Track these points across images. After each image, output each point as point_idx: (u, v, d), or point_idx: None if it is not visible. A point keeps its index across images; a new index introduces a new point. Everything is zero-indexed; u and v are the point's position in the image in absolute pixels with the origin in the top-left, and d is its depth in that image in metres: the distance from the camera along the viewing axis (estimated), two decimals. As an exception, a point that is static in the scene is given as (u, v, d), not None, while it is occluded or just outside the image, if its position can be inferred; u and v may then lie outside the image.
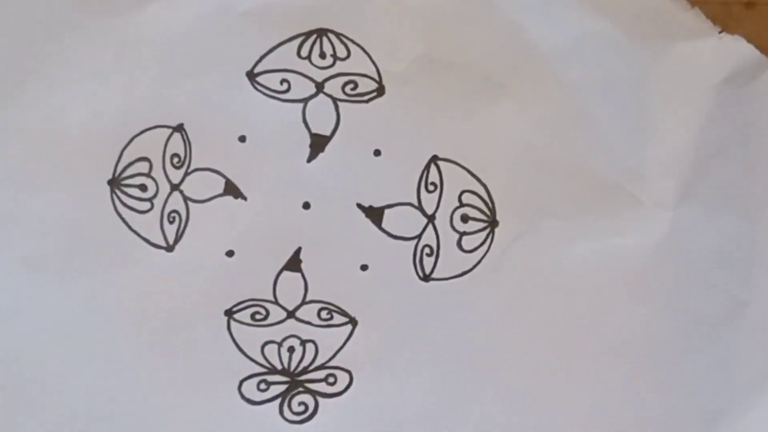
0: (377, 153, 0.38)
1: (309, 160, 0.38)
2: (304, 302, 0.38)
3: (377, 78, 0.38)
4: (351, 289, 0.38)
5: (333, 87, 0.38)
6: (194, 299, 0.37)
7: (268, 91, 0.38)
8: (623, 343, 0.37)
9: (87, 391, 0.37)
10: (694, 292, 0.38)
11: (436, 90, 0.37)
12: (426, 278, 0.38)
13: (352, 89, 0.38)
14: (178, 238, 0.38)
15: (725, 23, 0.38)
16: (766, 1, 0.39)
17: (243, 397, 0.37)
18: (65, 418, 0.37)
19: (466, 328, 0.37)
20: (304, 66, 0.38)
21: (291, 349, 0.38)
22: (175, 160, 0.38)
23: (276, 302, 0.38)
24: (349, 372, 0.38)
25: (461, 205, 0.38)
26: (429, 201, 0.38)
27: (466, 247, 0.38)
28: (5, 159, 0.37)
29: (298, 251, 0.38)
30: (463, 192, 0.38)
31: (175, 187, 0.38)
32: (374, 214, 0.38)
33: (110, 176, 0.37)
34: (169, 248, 0.37)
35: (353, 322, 0.38)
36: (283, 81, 0.38)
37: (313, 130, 0.38)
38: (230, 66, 0.37)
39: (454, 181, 0.38)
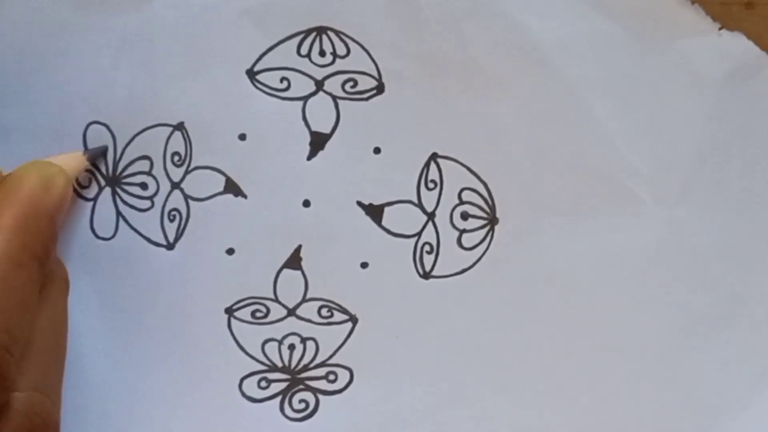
0: (377, 151, 0.38)
1: (309, 158, 0.38)
2: (304, 300, 0.38)
3: (377, 76, 0.38)
4: (351, 287, 0.38)
5: (333, 85, 0.38)
6: (195, 297, 0.37)
7: (268, 89, 0.38)
8: (623, 340, 0.37)
9: (87, 388, 0.37)
10: (694, 289, 0.37)
11: (436, 87, 0.37)
12: (426, 276, 0.38)
13: (352, 87, 0.38)
14: (179, 236, 0.38)
15: (725, 23, 0.38)
16: (766, 1, 0.38)
17: (244, 394, 0.37)
18: (65, 415, 0.36)
19: (466, 326, 0.37)
20: (303, 64, 0.38)
21: (291, 347, 0.38)
22: (176, 158, 0.38)
23: (276, 300, 0.38)
24: (349, 369, 0.38)
25: (461, 202, 0.38)
26: (429, 198, 0.38)
27: (466, 244, 0.38)
28: (6, 157, 0.37)
29: (298, 249, 0.38)
30: (463, 189, 0.38)
31: (175, 186, 0.38)
32: (374, 212, 0.38)
33: (111, 174, 0.38)
34: (170, 246, 0.38)
35: (353, 319, 0.38)
36: (282, 79, 0.38)
37: (313, 128, 0.38)
38: (230, 64, 0.37)
39: (454, 178, 0.38)
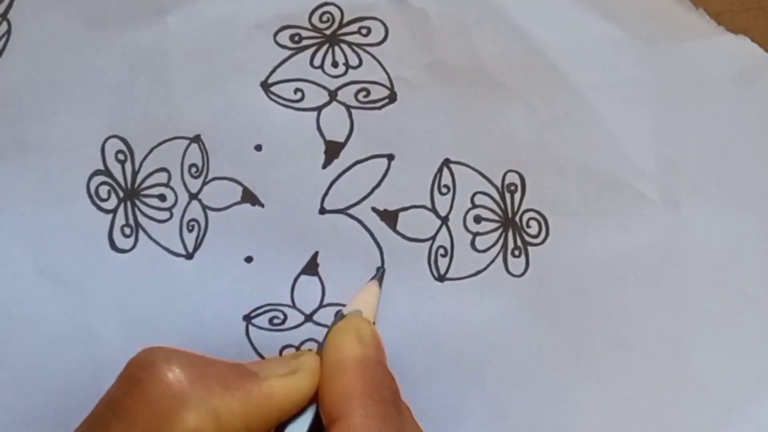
0: (391, 158, 0.38)
1: (324, 167, 0.38)
2: (321, 305, 0.38)
3: (389, 85, 0.38)
4: (367, 292, 0.38)
5: (346, 95, 0.38)
6: (213, 305, 0.38)
7: (282, 101, 0.38)
8: (633, 339, 0.38)
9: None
10: (704, 288, 0.38)
11: (447, 95, 0.38)
12: (441, 278, 0.38)
13: (365, 96, 0.38)
14: (198, 246, 0.38)
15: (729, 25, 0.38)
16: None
17: (263, 401, 0.38)
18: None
19: (480, 326, 0.38)
20: (317, 75, 0.38)
21: (309, 353, 0.38)
22: (193, 170, 0.38)
23: (294, 306, 0.38)
24: (367, 373, 0.38)
25: (474, 206, 0.38)
26: (442, 203, 0.38)
27: (479, 247, 0.38)
28: (26, 172, 0.37)
29: (315, 255, 0.38)
30: (475, 193, 0.38)
31: (193, 197, 0.38)
32: (389, 217, 0.38)
33: (129, 187, 0.38)
34: (189, 256, 0.38)
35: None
36: (297, 90, 0.38)
37: (328, 137, 0.38)
38: (245, 77, 0.38)
39: (466, 183, 0.38)
